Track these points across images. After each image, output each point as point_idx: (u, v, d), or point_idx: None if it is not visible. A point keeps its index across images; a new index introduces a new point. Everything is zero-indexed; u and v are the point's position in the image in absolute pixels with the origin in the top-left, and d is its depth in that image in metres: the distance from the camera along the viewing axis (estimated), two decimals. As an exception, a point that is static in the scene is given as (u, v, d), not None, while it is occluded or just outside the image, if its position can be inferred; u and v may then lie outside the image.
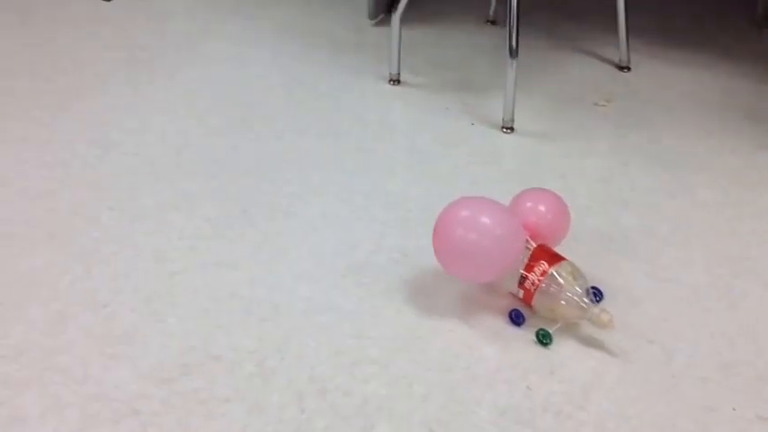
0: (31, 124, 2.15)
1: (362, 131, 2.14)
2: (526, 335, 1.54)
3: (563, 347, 1.51)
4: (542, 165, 2.02)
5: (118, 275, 1.69)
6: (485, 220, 1.55)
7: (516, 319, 1.57)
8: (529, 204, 1.64)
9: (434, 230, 1.58)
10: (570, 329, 1.55)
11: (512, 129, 2.15)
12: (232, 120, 2.18)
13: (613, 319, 1.50)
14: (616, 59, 2.44)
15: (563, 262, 1.56)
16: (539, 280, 1.54)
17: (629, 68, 2.42)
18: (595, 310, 1.51)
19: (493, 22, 2.68)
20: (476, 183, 1.96)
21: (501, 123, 2.14)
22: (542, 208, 1.63)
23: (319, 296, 1.64)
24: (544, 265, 1.55)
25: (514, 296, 1.59)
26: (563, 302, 1.53)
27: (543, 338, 1.53)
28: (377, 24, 2.55)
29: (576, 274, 1.55)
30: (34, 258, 1.73)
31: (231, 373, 1.47)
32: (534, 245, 1.57)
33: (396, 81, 2.35)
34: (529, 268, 1.55)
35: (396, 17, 2.29)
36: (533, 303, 1.56)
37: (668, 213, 1.87)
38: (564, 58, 2.46)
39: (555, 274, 1.54)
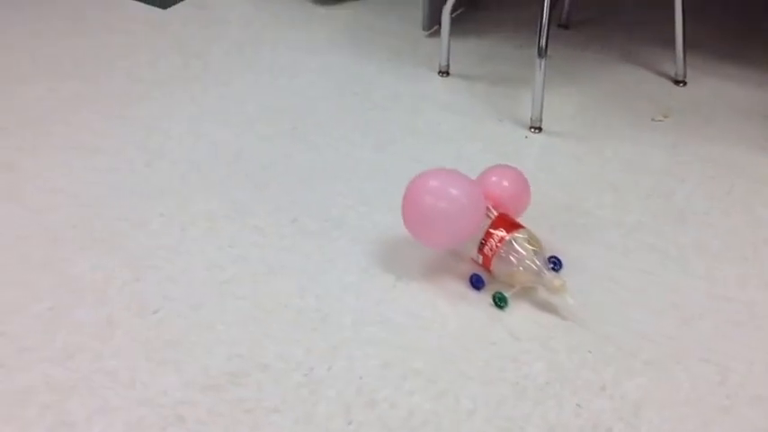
0: (82, 130, 2.17)
1: (415, 141, 2.13)
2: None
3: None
4: (594, 177, 2.00)
5: (167, 281, 1.69)
6: (452, 189, 1.64)
7: (476, 283, 1.66)
8: (494, 179, 1.73)
9: (404, 198, 1.66)
10: (527, 294, 1.62)
11: (539, 129, 2.16)
12: (284, 128, 2.18)
13: (565, 285, 1.57)
14: (672, 73, 2.40)
15: (521, 229, 1.64)
16: (497, 246, 1.63)
17: (684, 82, 2.38)
18: (549, 275, 1.59)
19: (566, 27, 2.64)
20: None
21: (531, 126, 2.15)
22: (506, 183, 1.73)
23: (368, 307, 1.63)
24: (502, 232, 1.64)
25: (475, 261, 1.67)
26: (520, 268, 1.62)
27: (499, 302, 1.62)
28: (431, 35, 2.54)
29: (534, 241, 1.63)
30: (84, 263, 1.74)
31: (278, 382, 1.46)
32: (496, 213, 1.67)
33: (445, 73, 2.38)
34: (488, 235, 1.64)
35: (445, 12, 2.34)
36: (492, 268, 1.65)
37: (723, 230, 1.83)
38: (619, 70, 2.43)
39: (512, 240, 1.63)
